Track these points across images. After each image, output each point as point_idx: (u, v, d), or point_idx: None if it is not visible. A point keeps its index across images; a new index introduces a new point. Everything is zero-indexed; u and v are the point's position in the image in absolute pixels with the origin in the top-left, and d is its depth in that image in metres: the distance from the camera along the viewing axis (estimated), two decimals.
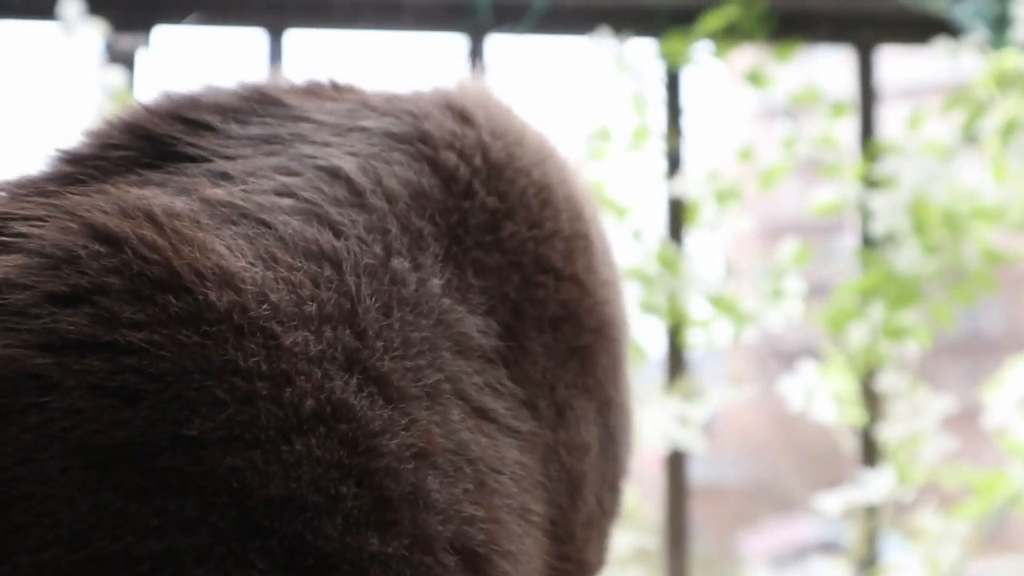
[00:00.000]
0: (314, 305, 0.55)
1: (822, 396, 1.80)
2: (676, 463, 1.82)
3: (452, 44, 1.93)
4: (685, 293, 1.76)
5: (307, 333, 0.54)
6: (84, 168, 0.61)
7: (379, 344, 0.57)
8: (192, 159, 0.62)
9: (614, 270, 0.75)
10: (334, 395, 0.54)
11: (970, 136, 1.89)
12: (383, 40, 1.99)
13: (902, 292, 1.76)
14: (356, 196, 0.62)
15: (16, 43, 1.86)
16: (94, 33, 1.76)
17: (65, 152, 0.63)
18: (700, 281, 1.76)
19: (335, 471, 0.52)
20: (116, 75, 1.76)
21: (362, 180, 0.62)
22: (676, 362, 1.82)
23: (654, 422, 1.73)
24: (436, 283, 0.61)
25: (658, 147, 1.90)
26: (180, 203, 0.57)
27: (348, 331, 0.56)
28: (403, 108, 0.69)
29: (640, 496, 1.83)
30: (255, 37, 1.90)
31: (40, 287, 0.51)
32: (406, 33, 1.96)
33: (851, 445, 1.87)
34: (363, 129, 0.66)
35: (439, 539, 0.55)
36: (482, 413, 0.61)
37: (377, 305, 0.58)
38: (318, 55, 1.96)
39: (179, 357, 0.51)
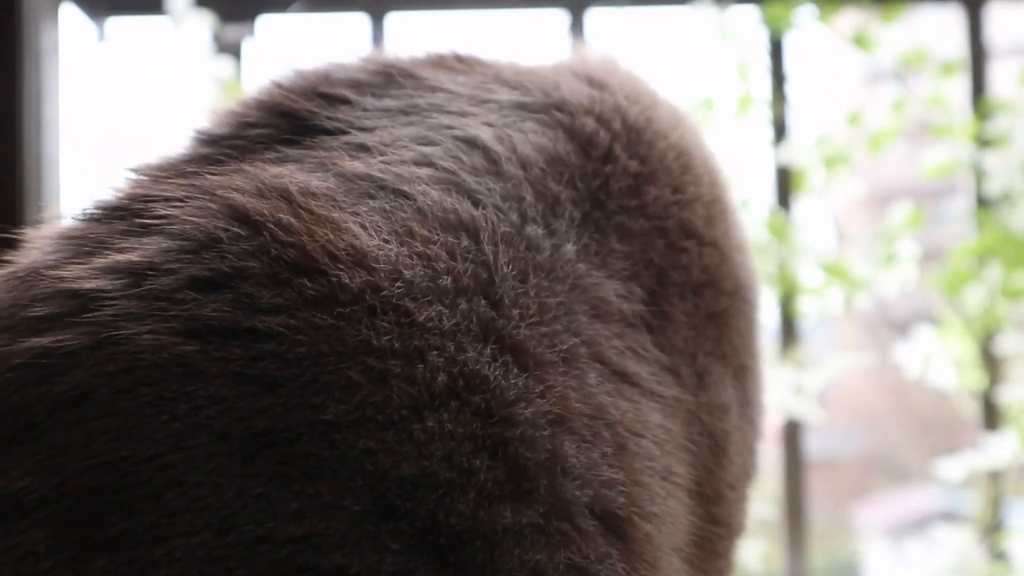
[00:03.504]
0: (449, 278, 0.56)
1: (940, 361, 1.77)
2: (792, 433, 1.80)
3: (552, 20, 1.93)
4: (795, 261, 1.75)
5: (441, 307, 0.55)
6: (222, 148, 0.62)
7: (515, 312, 0.57)
8: (330, 132, 0.63)
9: (744, 235, 0.75)
10: (467, 367, 0.54)
11: None
12: (483, 19, 1.99)
13: (1019, 252, 1.72)
14: (492, 164, 0.62)
15: (127, 38, 1.91)
16: (201, 25, 1.79)
17: (202, 133, 0.64)
18: (810, 249, 1.73)
19: (468, 444, 0.52)
20: (224, 66, 1.80)
21: (498, 148, 0.62)
22: (788, 331, 1.80)
23: (768, 392, 1.72)
24: (571, 248, 0.61)
25: (764, 114, 1.87)
26: (316, 180, 0.58)
27: (484, 301, 0.56)
28: (533, 79, 0.69)
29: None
30: (358, 23, 1.92)
31: (183, 272, 0.52)
32: (506, 11, 1.97)
33: (971, 411, 1.84)
34: (495, 101, 0.66)
35: (577, 504, 0.55)
36: (623, 377, 0.60)
37: (513, 273, 0.58)
38: (420, 38, 1.97)
39: (315, 341, 0.51)
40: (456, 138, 0.62)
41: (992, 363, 1.79)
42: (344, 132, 0.63)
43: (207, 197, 0.55)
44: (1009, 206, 1.76)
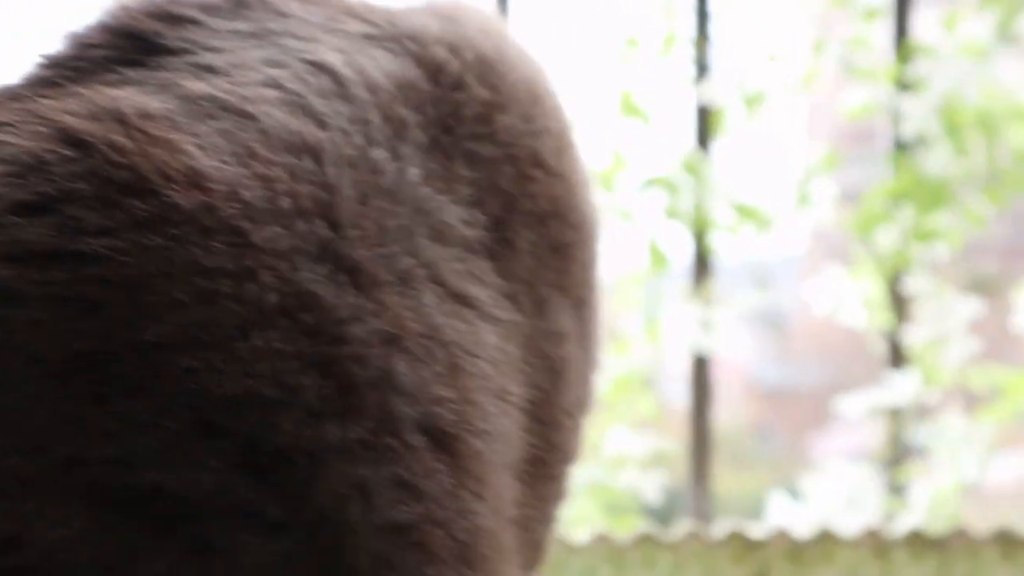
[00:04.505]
0: (289, 199, 0.56)
1: (850, 300, 1.81)
2: (700, 369, 1.83)
3: None
4: (710, 201, 1.77)
5: (278, 228, 0.55)
6: (61, 71, 0.61)
7: (353, 233, 0.57)
8: (175, 52, 0.62)
9: (588, 170, 0.76)
10: (300, 287, 0.54)
11: (1007, 35, 1.86)
12: None
13: (932, 195, 1.75)
14: (340, 88, 0.62)
15: None
16: None
17: (44, 57, 0.63)
18: (725, 188, 1.76)
19: (296, 362, 0.53)
20: None
21: (346, 72, 0.62)
22: (702, 268, 1.83)
23: (679, 328, 1.75)
24: (416, 172, 0.62)
25: (687, 54, 1.89)
26: (156, 102, 0.57)
27: (323, 222, 0.57)
28: (384, 13, 0.69)
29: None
30: None
31: (7, 196, 0.52)
32: None
33: (879, 348, 1.88)
34: (345, 31, 0.67)
35: (406, 420, 0.56)
36: (461, 299, 0.61)
37: (354, 195, 0.58)
38: None
39: (142, 262, 0.51)
40: (305, 61, 0.63)
41: (900, 303, 1.83)
42: (190, 52, 0.62)
43: (38, 121, 0.54)
44: (924, 150, 1.79)
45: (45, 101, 0.57)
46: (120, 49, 0.63)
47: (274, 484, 0.52)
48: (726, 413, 2.44)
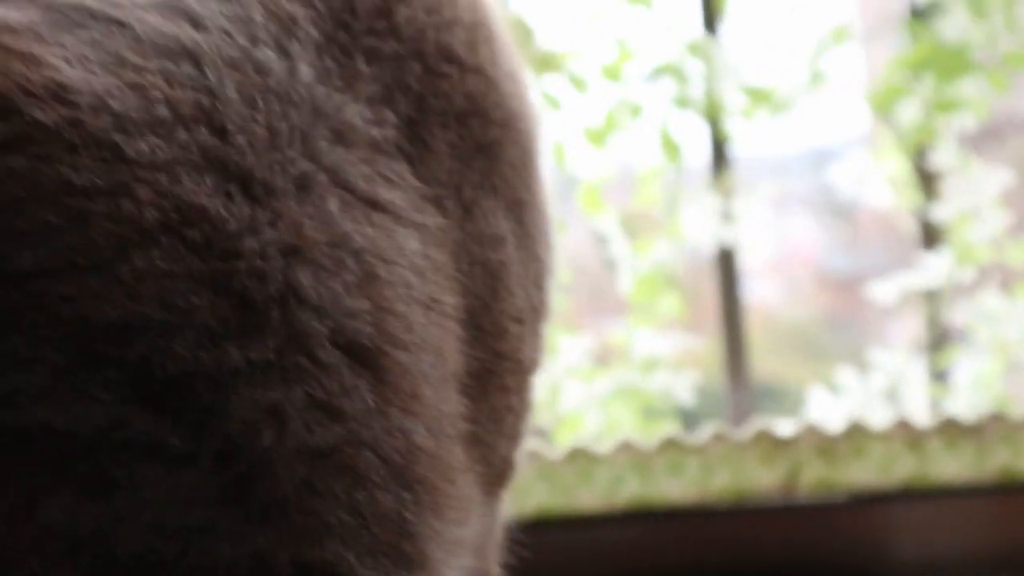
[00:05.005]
0: (166, 107, 0.52)
1: (874, 181, 1.73)
2: (725, 261, 1.77)
3: None
4: (721, 85, 1.69)
5: (155, 138, 0.51)
6: None
7: (241, 139, 0.54)
8: None
9: (517, 62, 0.70)
10: (183, 199, 0.51)
11: None
12: None
13: (953, 62, 1.66)
14: None
15: None
16: None
17: None
18: (736, 72, 1.68)
19: (184, 282, 0.50)
20: None
21: None
22: (719, 157, 1.76)
23: (698, 220, 1.69)
24: (307, 71, 0.58)
25: None
26: (17, 14, 0.53)
27: (205, 130, 0.53)
28: None
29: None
30: None
31: None
32: None
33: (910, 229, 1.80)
34: None
35: (316, 336, 0.52)
36: (372, 203, 0.57)
37: (239, 98, 0.54)
38: None
39: (7, 186, 0.48)
40: None
41: (927, 180, 1.75)
42: None
43: None
44: (941, 15, 1.70)
45: None
46: None
47: (173, 413, 0.50)
48: (799, 305, 2.39)
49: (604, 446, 1.45)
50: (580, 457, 1.42)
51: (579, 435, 1.73)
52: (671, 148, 1.72)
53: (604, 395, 1.78)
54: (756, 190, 1.73)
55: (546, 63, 1.65)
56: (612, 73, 1.72)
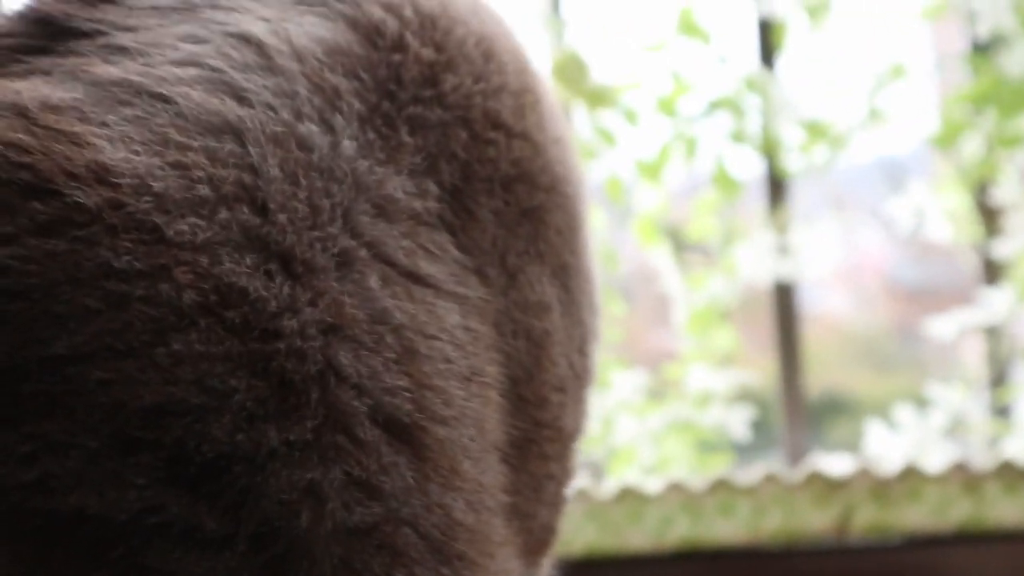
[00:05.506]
0: (208, 186, 0.52)
1: (934, 215, 1.71)
2: (782, 295, 1.75)
3: None
4: (777, 120, 1.67)
5: (196, 219, 0.51)
6: None
7: (282, 217, 0.54)
8: (87, 35, 0.59)
9: (564, 127, 0.70)
10: (223, 280, 0.51)
11: None
12: None
13: (1015, 97, 1.63)
14: (265, 59, 0.58)
15: None
16: None
17: None
18: (793, 106, 1.66)
19: (223, 365, 0.50)
20: None
21: (271, 42, 0.58)
22: (776, 191, 1.74)
23: (755, 255, 1.67)
24: (350, 145, 0.57)
25: None
26: (61, 92, 0.54)
27: (247, 208, 0.53)
28: None
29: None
30: None
31: None
32: None
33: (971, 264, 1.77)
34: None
35: (355, 414, 0.52)
36: (412, 277, 0.57)
37: (282, 175, 0.54)
38: None
39: (47, 270, 0.48)
40: (228, 34, 0.58)
41: (988, 215, 1.72)
42: (103, 34, 0.59)
43: None
44: (1004, 49, 1.67)
45: None
46: (29, 36, 0.60)
47: (209, 496, 0.49)
48: (869, 315, 2.36)
49: (654, 486, 1.44)
50: (630, 497, 1.41)
51: (632, 469, 1.71)
52: (727, 183, 1.70)
53: (658, 429, 1.76)
54: (816, 223, 1.72)
55: (601, 98, 1.64)
56: (667, 107, 1.71)
